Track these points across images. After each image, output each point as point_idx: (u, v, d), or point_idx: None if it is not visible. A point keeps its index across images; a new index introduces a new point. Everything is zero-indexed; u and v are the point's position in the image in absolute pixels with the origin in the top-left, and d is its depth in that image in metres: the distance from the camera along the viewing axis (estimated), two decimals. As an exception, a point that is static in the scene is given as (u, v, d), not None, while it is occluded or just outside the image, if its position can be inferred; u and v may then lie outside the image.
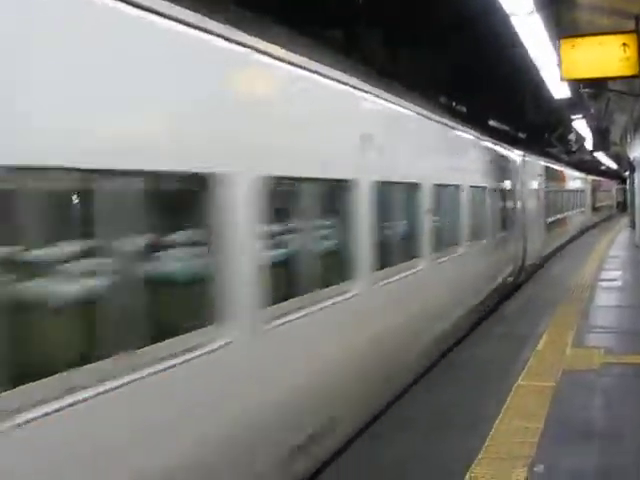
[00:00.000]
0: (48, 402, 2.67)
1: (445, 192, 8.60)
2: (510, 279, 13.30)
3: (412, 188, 7.36)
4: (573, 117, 21.07)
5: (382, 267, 6.23)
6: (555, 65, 9.40)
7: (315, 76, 5.13)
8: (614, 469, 4.94)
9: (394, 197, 6.92)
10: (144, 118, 3.34)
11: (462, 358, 8.28)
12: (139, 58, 3.29)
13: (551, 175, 20.26)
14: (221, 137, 3.90)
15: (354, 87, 5.87)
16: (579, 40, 8.67)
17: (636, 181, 22.68)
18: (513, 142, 15.08)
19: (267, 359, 4.26)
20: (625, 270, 16.48)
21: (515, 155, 14.43)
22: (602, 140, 21.33)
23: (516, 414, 6.06)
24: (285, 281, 4.74)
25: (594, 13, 8.72)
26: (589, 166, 39.12)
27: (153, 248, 3.49)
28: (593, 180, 37.73)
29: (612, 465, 4.98)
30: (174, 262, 3.69)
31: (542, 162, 18.69)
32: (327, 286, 5.18)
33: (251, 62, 4.30)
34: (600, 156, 36.60)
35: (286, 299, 4.56)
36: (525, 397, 6.52)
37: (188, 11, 3.57)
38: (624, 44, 8.27)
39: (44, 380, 2.69)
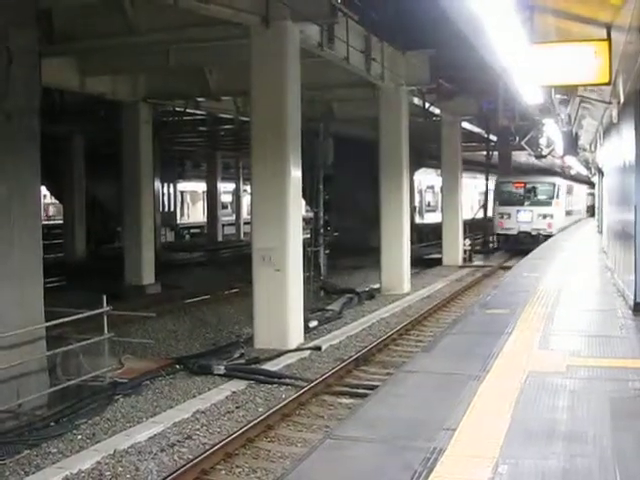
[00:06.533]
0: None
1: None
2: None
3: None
4: (544, 122, 21.30)
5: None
6: (527, 70, 9.48)
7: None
8: (578, 470, 5.02)
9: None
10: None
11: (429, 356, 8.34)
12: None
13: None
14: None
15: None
16: (552, 46, 8.76)
17: (604, 187, 23.02)
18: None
19: None
20: (591, 274, 16.72)
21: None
22: (572, 145, 21.60)
23: (481, 415, 6.13)
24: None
25: (567, 20, 8.81)
26: (561, 170, 39.76)
27: None
28: (566, 185, 38.15)
29: (576, 466, 5.07)
30: None
31: None
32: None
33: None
34: (572, 161, 37.06)
35: None
36: (490, 398, 6.60)
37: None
38: (595, 52, 8.37)
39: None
